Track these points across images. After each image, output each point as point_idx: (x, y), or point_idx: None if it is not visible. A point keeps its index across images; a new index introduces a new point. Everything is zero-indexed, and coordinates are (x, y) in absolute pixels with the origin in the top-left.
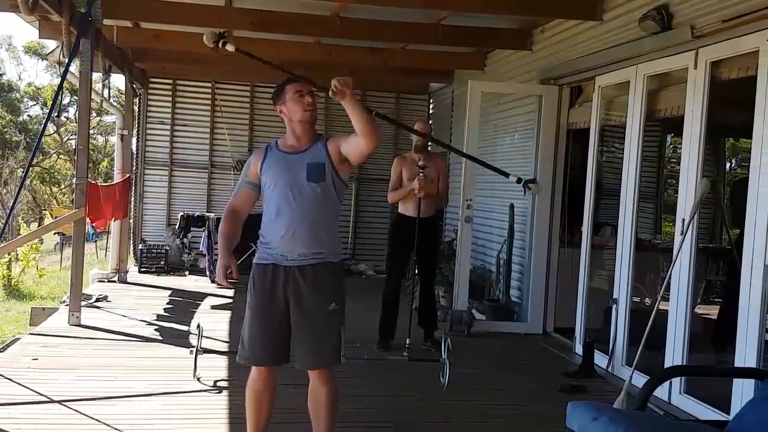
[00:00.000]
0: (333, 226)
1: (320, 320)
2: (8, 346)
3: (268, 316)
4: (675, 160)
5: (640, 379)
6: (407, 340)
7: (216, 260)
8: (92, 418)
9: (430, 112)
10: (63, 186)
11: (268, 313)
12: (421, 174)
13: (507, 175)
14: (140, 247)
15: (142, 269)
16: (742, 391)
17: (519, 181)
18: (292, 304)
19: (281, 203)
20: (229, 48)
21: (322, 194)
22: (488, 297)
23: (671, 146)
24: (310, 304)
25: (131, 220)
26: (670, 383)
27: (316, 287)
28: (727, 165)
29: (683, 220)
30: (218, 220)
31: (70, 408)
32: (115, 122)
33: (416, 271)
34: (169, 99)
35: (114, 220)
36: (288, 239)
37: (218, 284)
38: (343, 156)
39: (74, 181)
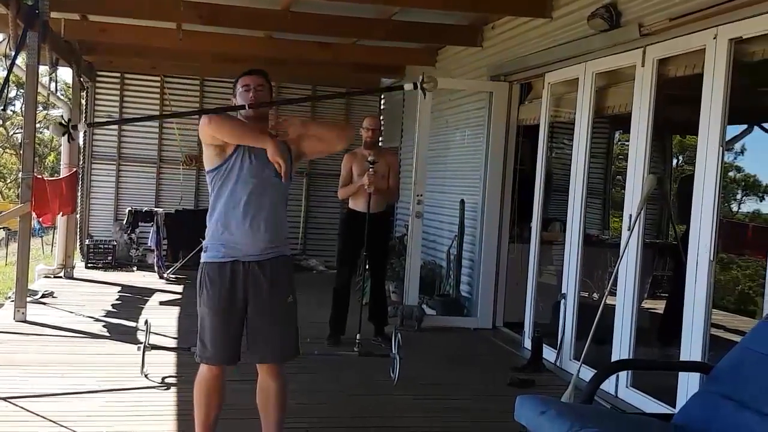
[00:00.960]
0: (285, 221)
1: (280, 314)
2: None
3: (230, 316)
4: (623, 157)
5: (587, 373)
6: (358, 336)
7: (165, 255)
8: (38, 415)
9: (382, 107)
10: (9, 180)
11: (229, 312)
12: (370, 169)
13: (401, 87)
14: (87, 242)
15: (89, 265)
16: (688, 384)
17: (415, 86)
18: (251, 300)
19: (246, 197)
20: (81, 129)
21: (283, 190)
22: (438, 292)
23: (619, 143)
24: (269, 298)
25: (78, 215)
26: (617, 377)
27: (273, 280)
28: (674, 161)
29: (630, 215)
30: (166, 215)
31: (16, 405)
32: (62, 116)
33: (367, 267)
34: (117, 93)
35: (61, 215)
36: (252, 233)
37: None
38: (301, 152)
39: (20, 175)
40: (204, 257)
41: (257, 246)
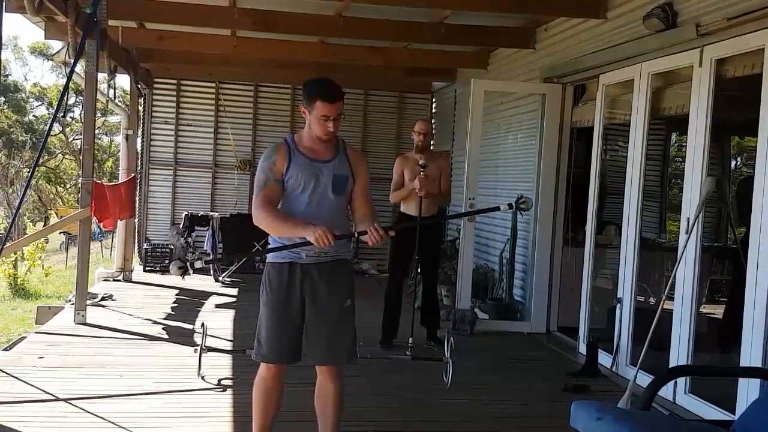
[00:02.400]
0: (346, 227)
1: (337, 316)
2: (14, 344)
3: (287, 315)
4: (680, 159)
5: (644, 379)
6: (410, 339)
7: (221, 259)
8: (97, 416)
9: (433, 111)
10: (68, 186)
11: (287, 311)
12: (422, 173)
13: (498, 208)
14: (145, 246)
15: (147, 268)
16: (748, 390)
17: (510, 207)
18: (308, 301)
19: (305, 208)
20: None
21: (341, 203)
22: (491, 296)
23: (676, 145)
24: (326, 300)
25: (136, 220)
26: (675, 383)
27: (332, 283)
28: (733, 163)
29: (688, 218)
30: (222, 219)
31: (76, 406)
32: (120, 122)
33: (419, 270)
34: (174, 99)
35: (121, 220)
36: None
37: (325, 243)
38: (361, 173)
39: (80, 180)
40: (268, 258)
41: (313, 251)
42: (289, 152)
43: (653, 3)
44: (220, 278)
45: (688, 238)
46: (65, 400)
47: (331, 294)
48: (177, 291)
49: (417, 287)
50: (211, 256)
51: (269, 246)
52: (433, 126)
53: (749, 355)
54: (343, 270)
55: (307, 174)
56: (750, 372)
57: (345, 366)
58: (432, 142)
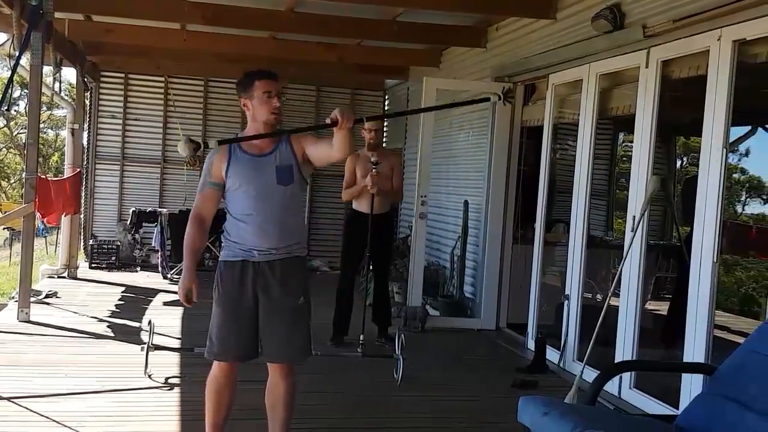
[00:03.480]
0: (299, 223)
1: (291, 314)
2: None
3: (239, 313)
4: (626, 158)
5: (591, 374)
6: (361, 336)
7: (169, 256)
8: (42, 415)
9: (386, 108)
10: (12, 180)
11: (239, 309)
12: (374, 170)
13: (487, 99)
14: (91, 242)
15: (93, 265)
16: (691, 385)
17: (500, 98)
18: (261, 299)
19: (250, 206)
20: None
21: (289, 195)
22: (442, 293)
23: (623, 144)
24: (279, 298)
25: (82, 215)
26: (621, 378)
27: (284, 281)
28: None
29: (634, 217)
30: (170, 215)
31: (20, 405)
32: (66, 116)
33: (370, 268)
34: (121, 93)
35: (65, 216)
36: (256, 236)
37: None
38: (307, 157)
39: (24, 175)
40: (220, 256)
41: (265, 246)
42: (229, 152)
43: (601, 4)
44: (169, 275)
45: (634, 235)
46: (8, 399)
47: (284, 292)
48: (124, 288)
49: (368, 284)
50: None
51: (222, 246)
52: (386, 123)
53: (692, 351)
54: (297, 268)
55: (247, 170)
56: (693, 367)
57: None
58: (384, 140)
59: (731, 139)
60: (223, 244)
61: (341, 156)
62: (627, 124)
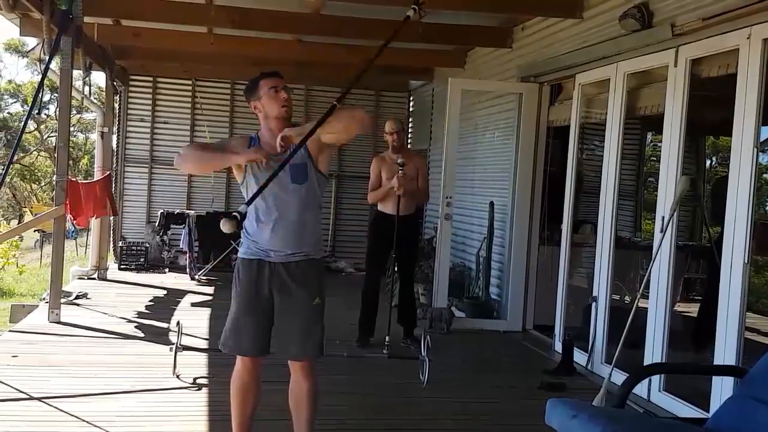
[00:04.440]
0: (316, 224)
1: (304, 312)
2: None
3: (254, 307)
4: (655, 158)
5: (619, 377)
6: (387, 338)
7: (197, 257)
8: (72, 415)
9: (411, 110)
10: (43, 183)
11: (254, 303)
12: (400, 171)
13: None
14: (120, 244)
15: (122, 266)
16: (722, 388)
17: (415, 11)
18: (276, 299)
19: (268, 207)
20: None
21: (305, 194)
22: (468, 294)
23: (651, 144)
24: (294, 297)
25: (111, 218)
26: (650, 381)
27: (300, 282)
28: (707, 163)
29: (663, 217)
30: (198, 217)
31: (50, 405)
32: (95, 120)
33: (396, 269)
34: (150, 96)
35: (95, 218)
36: (274, 239)
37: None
38: (323, 146)
39: (54, 178)
40: (239, 254)
41: (281, 250)
42: (249, 146)
43: (629, 3)
44: (197, 276)
45: (663, 236)
46: (39, 399)
47: (301, 292)
48: (152, 289)
49: (394, 285)
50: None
51: (241, 242)
52: (410, 124)
53: (723, 353)
54: (312, 269)
55: (264, 171)
56: (724, 370)
57: (320, 364)
58: (409, 142)
59: (762, 138)
60: (242, 241)
61: (351, 134)
62: (655, 123)
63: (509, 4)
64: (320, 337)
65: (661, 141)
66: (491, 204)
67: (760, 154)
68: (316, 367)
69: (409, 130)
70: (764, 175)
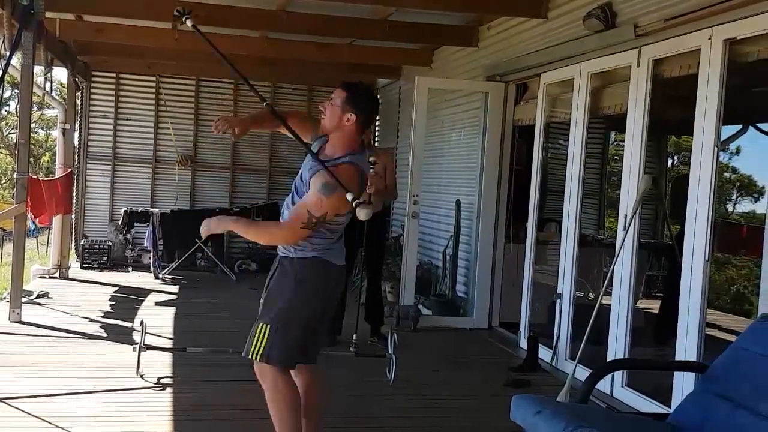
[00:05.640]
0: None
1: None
2: None
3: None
4: (618, 157)
5: (583, 373)
6: (354, 336)
7: (161, 256)
8: (34, 416)
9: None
10: (3, 181)
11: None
12: (371, 170)
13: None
14: (82, 242)
15: (85, 265)
16: (683, 384)
17: (180, 14)
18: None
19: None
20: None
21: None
22: (435, 292)
23: (614, 143)
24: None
25: (73, 216)
26: (613, 377)
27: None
28: (669, 162)
29: (626, 215)
30: (162, 215)
31: (11, 405)
32: (57, 116)
33: (363, 267)
34: (113, 93)
35: (56, 216)
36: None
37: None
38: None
39: (15, 175)
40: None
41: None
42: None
43: (593, 3)
44: (161, 275)
45: (626, 234)
46: (1, 399)
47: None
48: (115, 288)
49: (361, 283)
50: None
51: (301, 245)
52: (377, 122)
53: (684, 349)
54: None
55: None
56: (685, 365)
57: None
58: (376, 139)
59: (722, 138)
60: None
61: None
62: (618, 123)
63: (475, 4)
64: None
65: (624, 140)
66: (458, 202)
67: (720, 153)
68: None
69: (377, 128)
70: (724, 174)
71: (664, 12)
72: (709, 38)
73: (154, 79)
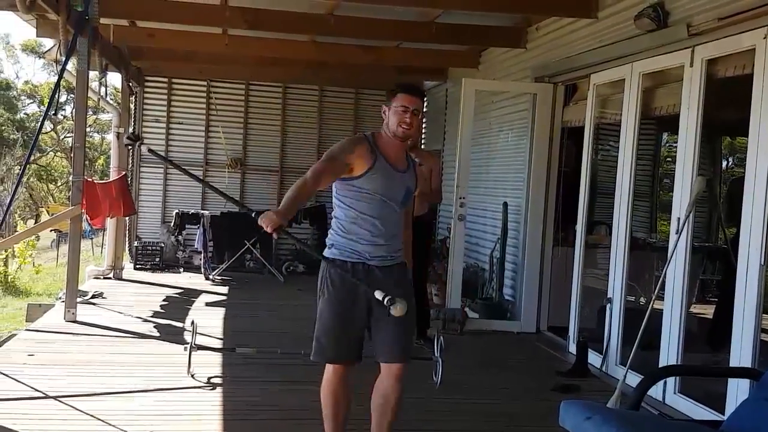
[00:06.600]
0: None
1: (406, 316)
2: (4, 342)
3: (352, 313)
4: (670, 159)
5: (634, 379)
6: None
7: (211, 257)
8: (87, 414)
9: (424, 110)
10: (60, 183)
11: (352, 309)
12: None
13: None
14: (136, 244)
15: (138, 266)
16: (737, 391)
17: (133, 141)
18: (374, 302)
19: (379, 214)
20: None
21: (403, 213)
22: (481, 295)
23: (667, 144)
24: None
25: (128, 218)
26: (665, 383)
27: (398, 282)
28: (723, 163)
29: (679, 218)
30: (212, 217)
31: (66, 404)
32: (111, 120)
33: None
34: (165, 97)
35: (111, 218)
36: (374, 244)
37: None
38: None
39: (71, 178)
40: (328, 254)
41: (380, 253)
42: (375, 156)
43: (644, 3)
44: (211, 276)
45: (679, 237)
46: (55, 397)
47: (398, 292)
48: (167, 289)
49: None
50: None
51: (328, 244)
52: (423, 125)
53: (739, 355)
54: (405, 272)
55: (388, 181)
56: (740, 372)
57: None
58: (423, 142)
59: None
60: (329, 242)
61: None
62: (671, 124)
63: (523, 4)
64: (413, 338)
65: (676, 141)
66: (505, 204)
67: None
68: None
69: (423, 130)
70: None
71: (718, 11)
72: (765, 37)
73: (204, 83)
